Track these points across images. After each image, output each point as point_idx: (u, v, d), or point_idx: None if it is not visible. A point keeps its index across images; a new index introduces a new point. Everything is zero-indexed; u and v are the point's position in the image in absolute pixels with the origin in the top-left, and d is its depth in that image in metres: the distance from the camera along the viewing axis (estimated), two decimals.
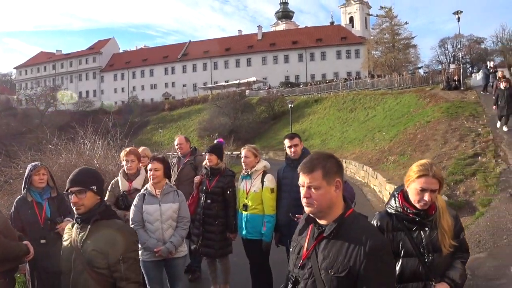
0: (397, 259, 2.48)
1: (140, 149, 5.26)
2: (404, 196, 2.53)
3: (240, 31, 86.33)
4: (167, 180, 4.19)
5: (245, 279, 4.90)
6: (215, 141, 5.35)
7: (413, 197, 2.46)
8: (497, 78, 16.01)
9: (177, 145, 5.74)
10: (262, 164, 4.58)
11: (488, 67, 24.37)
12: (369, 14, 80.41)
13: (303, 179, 1.97)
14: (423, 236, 2.48)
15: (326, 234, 1.95)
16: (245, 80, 63.34)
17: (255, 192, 4.43)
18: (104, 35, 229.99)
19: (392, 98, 33.19)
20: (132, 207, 4.02)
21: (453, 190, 8.41)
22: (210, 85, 71.48)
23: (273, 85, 64.07)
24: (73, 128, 9.34)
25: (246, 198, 4.48)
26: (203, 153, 4.91)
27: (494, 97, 14.09)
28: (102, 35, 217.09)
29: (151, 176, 4.03)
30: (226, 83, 66.52)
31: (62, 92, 76.92)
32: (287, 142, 4.47)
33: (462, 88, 26.12)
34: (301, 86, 59.83)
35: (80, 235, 2.55)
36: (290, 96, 52.12)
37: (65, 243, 2.66)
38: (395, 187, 8.41)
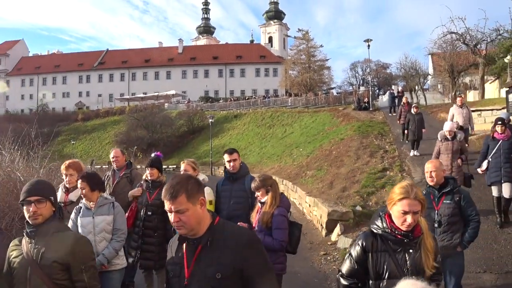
0: (381, 281, 2.48)
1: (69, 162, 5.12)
2: (391, 218, 2.51)
3: (160, 43, 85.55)
4: (102, 193, 4.13)
5: None
6: (153, 155, 5.35)
7: (396, 220, 2.46)
8: (402, 103, 16.76)
9: (112, 158, 5.68)
10: (201, 177, 4.76)
11: (393, 91, 26.68)
12: (287, 35, 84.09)
13: (169, 205, 2.01)
14: (407, 257, 2.46)
15: (203, 244, 2.04)
16: (164, 93, 62.68)
17: None
18: (12, 35, 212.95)
19: (308, 116, 34.80)
20: (70, 221, 3.96)
21: (366, 201, 9.18)
22: (128, 97, 69.45)
23: (192, 99, 63.83)
24: None
25: None
26: (145, 167, 4.92)
27: (398, 117, 15.64)
28: (9, 35, 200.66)
29: (81, 194, 4.02)
30: (144, 95, 65.25)
31: None
32: (226, 157, 4.67)
33: (371, 109, 28.34)
34: (220, 101, 60.47)
35: (36, 249, 2.49)
36: (210, 111, 52.34)
37: (16, 260, 2.55)
38: (315, 199, 8.98)
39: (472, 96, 26.48)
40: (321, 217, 9.07)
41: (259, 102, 50.44)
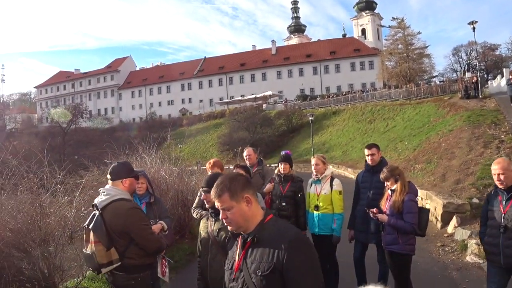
0: None
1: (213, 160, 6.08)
2: None
3: (254, 46, 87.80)
4: None
5: None
6: (283, 153, 6.11)
7: None
8: None
9: (246, 156, 6.43)
10: (330, 170, 5.46)
11: None
12: (380, 25, 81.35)
13: (217, 204, 2.17)
14: None
15: (250, 240, 2.14)
16: (261, 94, 64.17)
17: (325, 194, 5.24)
18: (117, 53, 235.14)
19: (411, 108, 33.73)
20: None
21: (483, 193, 9.10)
22: (227, 100, 72.64)
23: (289, 99, 64.80)
24: (94, 144, 9.65)
25: (317, 200, 5.28)
26: (278, 163, 5.72)
27: None
28: (115, 53, 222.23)
29: None
30: (242, 98, 67.56)
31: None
32: (366, 151, 5.26)
33: (480, 96, 26.68)
34: (318, 98, 60.57)
35: (215, 226, 3.27)
36: (308, 109, 52.87)
37: (203, 233, 3.37)
38: (427, 192, 9.12)
39: None
40: (435, 209, 9.22)
41: (358, 96, 49.76)
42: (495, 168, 3.85)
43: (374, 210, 4.50)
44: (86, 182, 6.74)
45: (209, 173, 5.61)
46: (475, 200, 8.76)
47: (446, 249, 7.31)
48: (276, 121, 52.37)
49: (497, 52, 65.72)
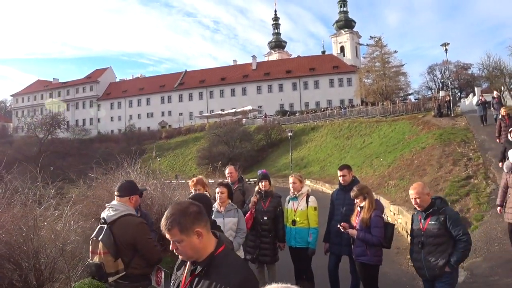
0: None
1: (196, 178, 6.41)
2: None
3: (235, 60, 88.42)
4: (229, 201, 5.42)
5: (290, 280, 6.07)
6: (259, 172, 6.50)
7: None
8: (501, 115, 13.21)
9: (227, 173, 6.85)
10: (306, 188, 5.93)
11: (482, 98, 21.58)
12: (359, 43, 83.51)
13: (167, 236, 2.14)
14: None
15: (197, 272, 2.16)
16: (241, 109, 64.71)
17: (301, 210, 5.72)
18: (97, 63, 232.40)
19: (386, 126, 34.67)
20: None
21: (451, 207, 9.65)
22: (207, 114, 72.81)
23: (269, 114, 65.46)
24: (72, 155, 9.69)
25: (295, 215, 5.75)
26: (258, 181, 6.09)
27: (498, 135, 12.85)
28: (94, 63, 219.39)
29: (218, 197, 5.29)
30: (222, 112, 67.88)
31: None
32: (338, 172, 5.78)
33: (452, 115, 27.76)
34: (297, 114, 61.46)
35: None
36: (287, 124, 53.62)
37: None
38: (399, 207, 9.67)
39: None
40: (406, 224, 9.72)
41: (336, 113, 50.83)
42: (412, 193, 4.35)
43: (344, 225, 4.93)
44: (76, 196, 6.99)
45: (192, 190, 5.97)
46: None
47: None
48: (256, 136, 52.77)
49: (470, 71, 68.04)
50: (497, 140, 11.91)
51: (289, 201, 5.92)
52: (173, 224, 2.11)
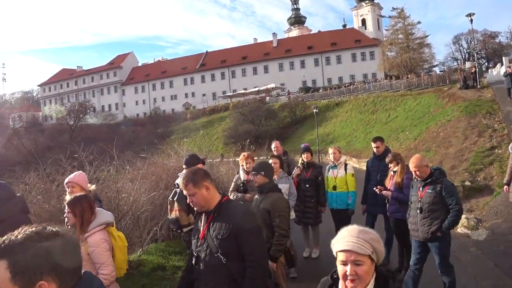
0: None
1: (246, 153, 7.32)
2: None
3: (255, 39, 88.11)
4: (281, 170, 6.27)
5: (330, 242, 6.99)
6: (303, 145, 7.36)
7: None
8: None
9: (274, 148, 7.66)
10: (344, 157, 6.89)
11: (511, 71, 20.68)
12: (381, 16, 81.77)
13: (184, 192, 2.84)
14: None
15: (212, 215, 2.81)
16: (264, 87, 64.84)
17: (341, 176, 6.67)
18: (116, 48, 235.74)
19: (412, 99, 34.80)
20: None
21: (474, 177, 10.38)
22: (230, 94, 73.24)
23: (292, 91, 65.66)
24: (102, 140, 10.54)
25: (335, 181, 6.69)
26: (301, 153, 7.02)
27: None
28: (114, 48, 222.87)
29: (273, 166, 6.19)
30: (245, 91, 68.33)
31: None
32: (373, 144, 6.67)
33: (478, 86, 27.74)
34: (320, 90, 61.44)
35: (259, 200, 4.51)
36: (311, 100, 53.93)
37: (252, 206, 4.57)
38: None
39: None
40: None
41: (360, 88, 50.73)
42: (411, 166, 4.81)
43: (380, 188, 5.77)
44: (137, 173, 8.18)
45: (243, 163, 6.89)
46: (467, 183, 10.04)
47: None
48: (280, 113, 53.21)
49: (497, 40, 66.51)
50: None
51: (329, 170, 6.85)
52: (188, 181, 2.78)
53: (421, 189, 4.79)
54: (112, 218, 3.61)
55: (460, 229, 8.02)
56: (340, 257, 1.88)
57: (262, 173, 4.51)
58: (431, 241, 4.71)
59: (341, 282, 1.91)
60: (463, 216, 7.99)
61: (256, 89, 65.43)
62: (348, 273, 1.83)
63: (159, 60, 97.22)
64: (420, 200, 4.76)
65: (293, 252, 4.65)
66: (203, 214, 2.89)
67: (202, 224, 2.89)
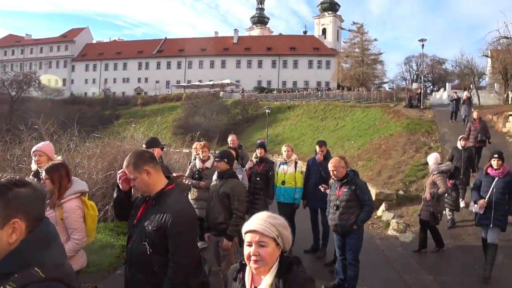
0: None
1: (203, 143, 7.53)
2: None
3: (216, 32, 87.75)
4: (236, 161, 6.53)
5: None
6: (258, 141, 7.76)
7: None
8: (473, 119, 12.44)
9: (230, 140, 8.14)
10: (295, 156, 7.37)
11: (454, 95, 22.15)
12: (341, 28, 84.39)
13: (127, 172, 2.72)
14: None
15: (150, 201, 2.73)
16: (220, 82, 64.64)
17: (290, 173, 7.15)
18: (70, 20, 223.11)
19: (360, 111, 36.38)
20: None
21: (408, 187, 11.23)
22: (184, 84, 72.44)
23: (246, 89, 65.86)
24: (45, 115, 10.00)
25: (284, 177, 7.16)
26: (256, 148, 7.36)
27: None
28: (67, 20, 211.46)
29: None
30: (200, 83, 67.56)
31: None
32: (317, 147, 7.32)
33: (421, 107, 29.48)
34: (274, 92, 62.33)
35: (218, 185, 4.85)
36: (264, 101, 54.60)
37: (211, 189, 4.92)
38: None
39: None
40: None
41: (312, 94, 52.13)
42: (330, 166, 5.35)
43: (324, 186, 6.25)
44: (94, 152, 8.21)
45: (200, 152, 7.07)
46: (401, 192, 10.97)
47: (375, 226, 9.44)
48: (233, 109, 53.27)
49: (444, 66, 70.53)
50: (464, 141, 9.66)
51: (280, 165, 7.32)
52: (129, 162, 2.68)
53: (338, 188, 5.33)
54: (86, 187, 3.75)
55: (390, 231, 8.87)
56: (247, 238, 1.94)
57: (225, 160, 4.85)
58: (347, 235, 5.28)
59: (248, 267, 1.99)
60: (394, 221, 8.76)
61: (211, 82, 65.11)
62: (251, 253, 1.90)
63: (115, 40, 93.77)
64: (338, 198, 5.29)
65: None
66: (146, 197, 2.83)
67: (140, 206, 2.84)
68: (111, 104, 70.94)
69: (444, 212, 7.86)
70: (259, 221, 1.93)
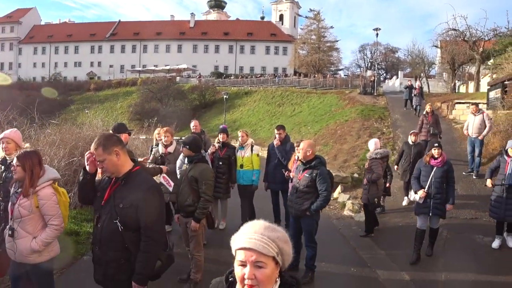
0: None
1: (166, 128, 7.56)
2: None
3: (172, 16, 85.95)
4: None
5: (237, 215, 7.62)
6: (221, 126, 7.92)
7: None
8: (425, 112, 12.00)
9: (193, 126, 8.32)
10: (250, 140, 7.63)
11: (409, 84, 22.39)
12: (298, 14, 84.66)
13: (95, 155, 2.82)
14: None
15: (119, 181, 2.86)
16: (176, 67, 63.87)
17: (247, 156, 7.44)
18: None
19: (316, 97, 37.09)
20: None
21: (361, 171, 11.71)
22: (139, 68, 70.98)
23: (203, 74, 65.42)
24: None
25: (242, 160, 7.41)
26: (218, 133, 7.54)
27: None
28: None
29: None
30: (156, 68, 66.60)
31: None
32: (276, 131, 7.51)
33: (375, 94, 30.48)
34: (231, 77, 62.21)
35: (188, 169, 5.01)
36: (221, 86, 54.50)
37: (181, 173, 5.13)
38: None
39: (472, 87, 28.43)
40: None
41: (270, 80, 52.47)
42: (300, 146, 5.44)
43: (288, 173, 6.59)
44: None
45: (163, 137, 7.12)
46: (355, 175, 11.51)
47: (331, 207, 9.80)
48: (190, 95, 52.81)
49: (396, 55, 72.93)
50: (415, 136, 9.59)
51: (237, 150, 7.54)
52: (98, 145, 2.79)
53: (300, 172, 5.39)
54: (58, 175, 3.79)
55: (346, 212, 9.37)
56: (239, 256, 1.53)
57: (187, 146, 4.98)
58: (301, 218, 5.39)
59: (238, 286, 1.57)
60: (349, 202, 9.23)
61: (168, 67, 64.32)
62: (246, 276, 1.49)
63: (66, 22, 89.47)
64: (298, 182, 5.38)
65: (213, 216, 5.32)
66: (113, 178, 2.92)
67: (109, 188, 2.92)
68: (62, 89, 68.04)
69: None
70: (255, 236, 1.51)
